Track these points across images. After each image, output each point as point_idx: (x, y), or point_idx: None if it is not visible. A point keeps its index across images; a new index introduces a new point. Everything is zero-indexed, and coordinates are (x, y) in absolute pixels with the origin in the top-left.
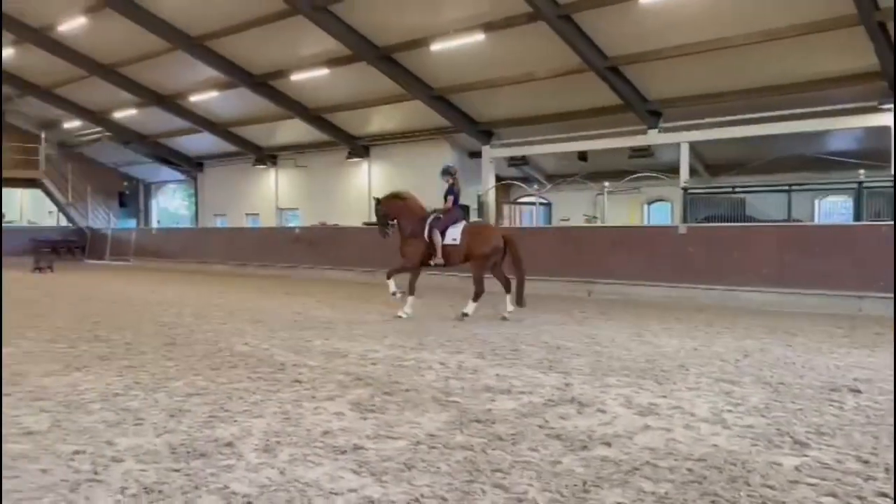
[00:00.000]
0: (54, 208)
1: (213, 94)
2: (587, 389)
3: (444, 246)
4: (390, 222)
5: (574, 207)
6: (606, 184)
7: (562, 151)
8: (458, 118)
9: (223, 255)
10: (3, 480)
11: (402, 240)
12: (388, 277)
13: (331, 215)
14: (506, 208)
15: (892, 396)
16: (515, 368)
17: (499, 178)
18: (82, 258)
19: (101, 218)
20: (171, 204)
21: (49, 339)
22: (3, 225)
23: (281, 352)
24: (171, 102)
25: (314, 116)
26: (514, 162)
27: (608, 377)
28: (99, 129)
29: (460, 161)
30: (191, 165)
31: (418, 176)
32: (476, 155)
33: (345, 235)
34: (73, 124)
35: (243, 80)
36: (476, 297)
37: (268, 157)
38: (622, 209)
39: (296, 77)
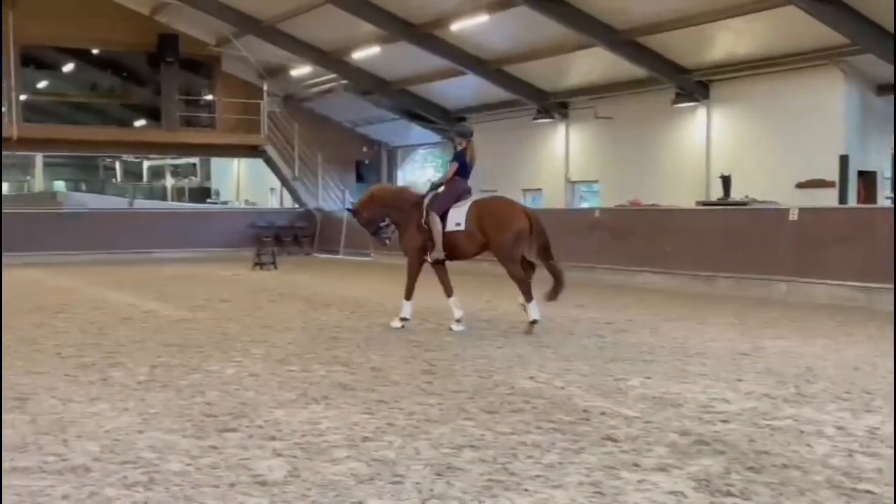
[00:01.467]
0: (276, 183)
1: (483, 18)
2: None
3: (446, 234)
4: (381, 226)
5: None
6: None
7: None
8: (860, 28)
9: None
10: None
11: (400, 237)
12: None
13: (646, 192)
14: None
15: None
16: None
17: None
18: (311, 250)
19: (335, 196)
20: (421, 175)
21: (279, 358)
22: (206, 207)
23: (582, 393)
24: (425, 34)
25: (625, 41)
26: None
27: None
28: (333, 75)
29: (862, 100)
30: (448, 122)
31: (790, 127)
32: (889, 90)
33: (669, 221)
34: (301, 71)
35: None
36: (527, 295)
37: (555, 106)
38: None
39: None
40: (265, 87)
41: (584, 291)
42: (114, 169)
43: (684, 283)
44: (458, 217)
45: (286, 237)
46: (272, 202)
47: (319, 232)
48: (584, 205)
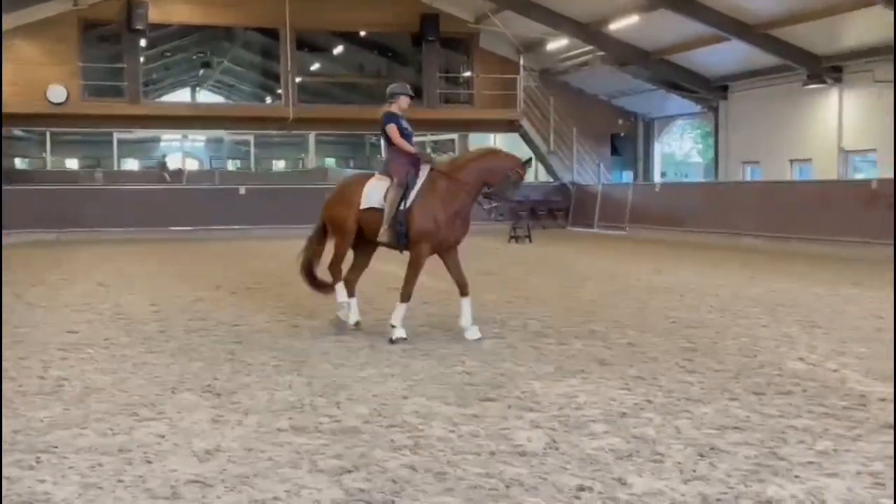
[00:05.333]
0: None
1: None
2: None
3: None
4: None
5: None
6: None
7: None
8: None
9: (753, 224)
10: None
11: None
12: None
13: None
14: None
15: None
16: None
17: None
18: (565, 224)
19: (590, 170)
20: (678, 148)
21: (535, 331)
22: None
23: (858, 377)
24: (685, 0)
25: None
26: None
27: None
28: (590, 48)
29: None
30: (709, 91)
31: None
32: None
33: None
34: (558, 44)
35: None
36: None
37: (828, 70)
38: None
39: None
40: (521, 62)
41: (860, 268)
42: (379, 146)
43: None
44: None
45: (541, 211)
46: (527, 176)
47: (574, 205)
48: (860, 176)
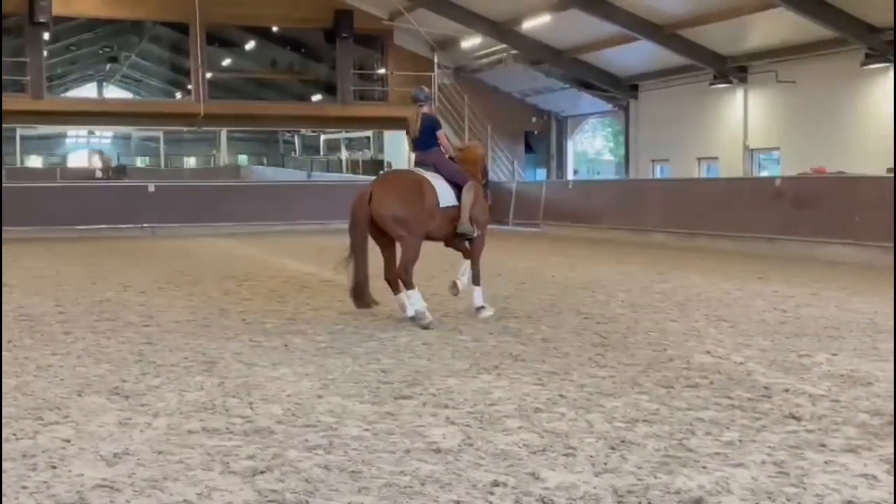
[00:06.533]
0: None
1: None
2: None
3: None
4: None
5: None
6: None
7: None
8: None
9: (662, 220)
10: None
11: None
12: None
13: (830, 159)
14: None
15: None
16: None
17: None
18: None
19: (504, 167)
20: (590, 146)
21: (451, 327)
22: None
23: (762, 369)
24: (596, 0)
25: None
26: None
27: None
28: (503, 46)
29: None
30: (620, 90)
31: None
32: None
33: (857, 190)
34: (471, 42)
35: None
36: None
37: (733, 70)
38: None
39: None
40: (436, 60)
41: (765, 263)
42: (293, 143)
43: (876, 255)
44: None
45: None
46: None
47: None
48: (764, 173)
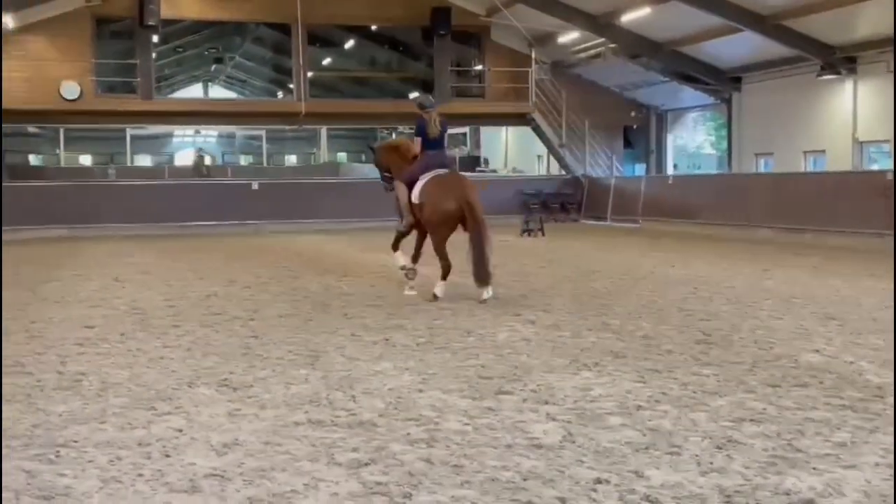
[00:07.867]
0: (543, 150)
1: None
2: None
3: (412, 205)
4: (386, 175)
5: None
6: None
7: None
8: None
9: (766, 215)
10: None
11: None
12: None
13: None
14: None
15: None
16: None
17: None
18: (577, 217)
19: (602, 163)
20: (691, 140)
21: (549, 324)
22: (476, 175)
23: (875, 368)
24: None
25: None
26: None
27: None
28: (601, 40)
29: None
30: (722, 83)
31: None
32: None
33: None
34: (569, 37)
35: None
36: (444, 273)
37: (842, 61)
38: None
39: None
40: (533, 55)
41: (875, 260)
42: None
43: None
44: (417, 189)
45: (553, 204)
46: (539, 169)
47: (586, 198)
48: (874, 167)
